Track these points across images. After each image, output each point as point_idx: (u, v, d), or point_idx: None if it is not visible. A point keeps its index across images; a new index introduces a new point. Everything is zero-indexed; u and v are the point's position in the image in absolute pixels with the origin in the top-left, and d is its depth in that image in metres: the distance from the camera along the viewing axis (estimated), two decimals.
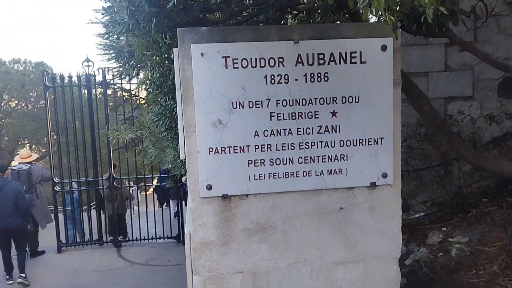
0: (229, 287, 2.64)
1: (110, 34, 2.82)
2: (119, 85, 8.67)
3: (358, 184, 2.67)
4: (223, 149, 2.55)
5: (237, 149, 2.56)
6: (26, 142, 17.11)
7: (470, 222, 4.54)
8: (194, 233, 2.59)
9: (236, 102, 2.52)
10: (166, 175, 8.68)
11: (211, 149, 2.54)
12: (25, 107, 16.10)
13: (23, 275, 6.44)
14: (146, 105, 7.28)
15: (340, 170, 2.64)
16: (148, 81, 3.89)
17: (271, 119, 2.56)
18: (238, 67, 2.51)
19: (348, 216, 2.70)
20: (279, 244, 2.66)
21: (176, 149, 5.62)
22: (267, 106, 2.55)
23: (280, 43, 2.52)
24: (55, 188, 7.80)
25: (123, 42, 9.31)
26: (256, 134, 2.56)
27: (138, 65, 8.90)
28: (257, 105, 2.54)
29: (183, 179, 7.64)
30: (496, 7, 4.61)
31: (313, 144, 2.60)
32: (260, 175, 2.59)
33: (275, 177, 2.60)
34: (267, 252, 2.65)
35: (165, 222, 9.52)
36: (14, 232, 6.33)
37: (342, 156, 2.63)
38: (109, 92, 9.05)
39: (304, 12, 3.32)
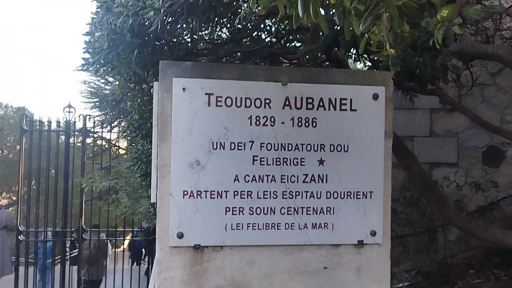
0: None
1: (88, 65, 2.63)
2: (100, 134, 8.45)
3: (345, 241, 2.41)
4: (199, 193, 2.29)
5: (214, 194, 2.30)
6: None
7: None
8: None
9: (216, 143, 2.31)
10: (140, 229, 8.24)
11: (185, 192, 2.28)
12: (0, 152, 15.58)
13: None
14: (125, 154, 7.00)
15: (326, 224, 2.39)
16: (127, 124, 3.67)
17: (253, 163, 2.33)
18: (221, 105, 2.32)
19: (333, 277, 2.41)
20: None
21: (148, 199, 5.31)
22: (250, 149, 2.33)
23: (268, 83, 2.37)
24: (19, 237, 7.24)
25: (107, 91, 9.22)
26: (236, 178, 2.32)
27: (122, 115, 8.75)
28: (240, 147, 2.33)
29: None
30: (480, 76, 4.66)
31: (297, 193, 2.36)
32: (238, 225, 2.32)
33: (254, 228, 2.33)
34: None
35: (136, 280, 8.90)
36: None
37: (329, 209, 2.39)
38: (89, 140, 8.80)
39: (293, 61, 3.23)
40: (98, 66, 2.66)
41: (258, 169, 2.34)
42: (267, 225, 2.34)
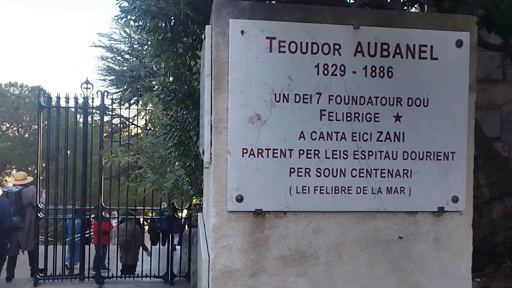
0: None
1: (127, 13, 2.30)
2: (117, 111, 8.15)
3: (423, 208, 2.08)
4: (260, 151, 1.97)
5: (277, 153, 1.98)
6: (13, 167, 16.14)
7: (508, 274, 3.93)
8: (215, 258, 1.95)
9: (279, 94, 1.98)
10: (161, 216, 8.00)
11: (245, 151, 1.96)
12: (16, 131, 15.29)
13: None
14: (149, 128, 6.69)
15: (402, 189, 2.06)
16: (160, 87, 3.34)
17: (321, 119, 2.00)
18: (284, 51, 1.98)
19: (408, 248, 2.09)
20: (321, 280, 2.02)
21: (175, 173, 5.01)
22: (317, 102, 2.00)
23: (337, 26, 2.02)
24: (38, 214, 7.00)
25: (125, 67, 8.91)
26: (302, 135, 2.00)
27: (141, 90, 8.45)
28: (305, 100, 1.99)
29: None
30: None
31: (370, 153, 2.04)
32: (304, 188, 2.00)
33: (322, 191, 2.01)
34: None
35: (153, 260, 8.69)
36: None
37: (406, 171, 2.06)
38: (106, 118, 8.52)
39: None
40: (138, 14, 2.32)
41: (326, 125, 2.01)
42: (336, 189, 2.02)
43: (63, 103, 7.14)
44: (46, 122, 7.07)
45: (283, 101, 1.98)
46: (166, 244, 7.94)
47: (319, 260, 2.02)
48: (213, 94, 1.98)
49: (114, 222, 9.83)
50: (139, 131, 8.85)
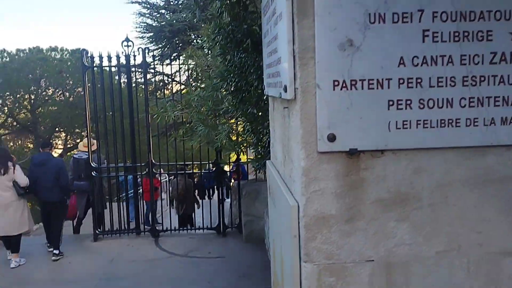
0: (353, 281, 1.79)
1: None
2: (159, 69, 7.97)
3: None
4: (353, 83, 1.70)
5: (372, 84, 1.71)
6: (62, 131, 16.56)
7: None
8: (307, 203, 1.75)
9: (374, 14, 1.67)
10: (209, 170, 7.98)
11: (336, 83, 1.69)
12: (61, 95, 15.56)
13: (56, 252, 6.33)
14: (194, 82, 6.48)
15: None
16: (216, 29, 3.06)
17: (423, 40, 1.69)
18: None
19: None
20: (425, 224, 1.79)
21: (228, 125, 4.83)
22: (419, 21, 1.69)
23: None
24: (92, 173, 7.11)
25: (163, 23, 8.62)
26: (402, 62, 1.70)
27: (180, 45, 8.19)
28: (405, 19, 1.68)
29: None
30: None
31: (482, 79, 1.72)
32: (405, 123, 1.73)
33: (425, 126, 1.73)
34: (408, 234, 1.79)
35: (204, 213, 8.79)
36: (54, 206, 6.40)
37: None
38: (149, 76, 8.37)
39: None
40: None
41: (430, 48, 1.70)
42: (442, 122, 1.74)
43: (105, 63, 7.03)
44: (90, 85, 7.00)
45: (379, 22, 1.68)
46: (216, 197, 7.99)
47: (422, 202, 1.78)
48: (295, 19, 1.70)
49: (162, 179, 9.94)
50: (184, 86, 8.68)
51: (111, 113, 7.05)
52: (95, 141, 7.26)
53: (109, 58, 7.03)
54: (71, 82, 14.60)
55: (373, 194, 1.76)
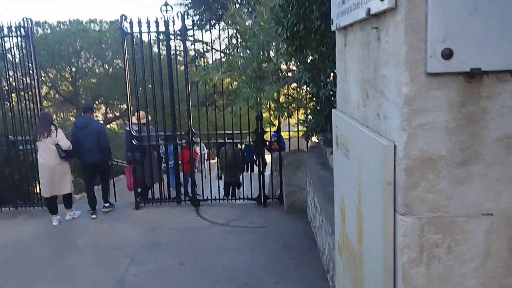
0: (464, 239, 1.40)
1: None
2: (198, 36, 7.62)
3: None
4: None
5: None
6: (102, 103, 16.64)
7: None
8: (409, 141, 1.36)
9: None
10: (250, 142, 7.63)
11: None
12: (101, 66, 15.58)
13: (106, 204, 6.76)
14: (236, 46, 6.10)
15: None
16: None
17: None
18: None
19: None
20: None
21: (277, 84, 4.45)
22: None
23: None
24: (132, 141, 6.93)
25: None
26: None
27: (220, 10, 7.79)
28: None
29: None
30: None
31: None
32: None
33: None
34: None
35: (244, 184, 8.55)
36: (98, 167, 6.59)
37: None
38: (188, 44, 8.03)
39: None
40: None
41: None
42: None
43: (144, 29, 6.74)
44: (128, 55, 6.76)
45: None
46: (256, 168, 7.69)
47: None
48: None
49: (198, 149, 9.72)
50: (224, 54, 8.32)
51: (150, 86, 6.83)
52: (143, 113, 7.11)
53: (148, 23, 6.75)
54: (110, 54, 14.53)
55: (496, 130, 1.35)
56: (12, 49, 7.15)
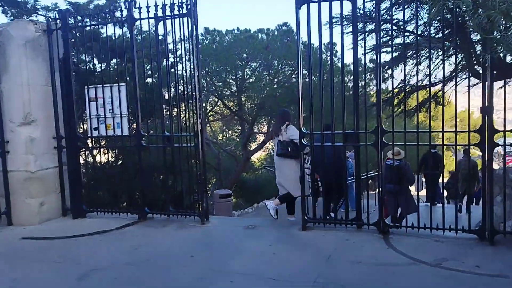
0: None
1: None
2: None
3: None
4: None
5: None
6: (264, 115, 14.90)
7: None
8: None
9: None
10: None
11: None
12: (267, 75, 14.11)
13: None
14: None
15: None
16: None
17: None
18: None
19: None
20: None
21: None
22: None
23: None
24: (302, 140, 5.11)
25: None
26: None
27: None
28: None
29: None
30: None
31: None
32: None
33: None
34: None
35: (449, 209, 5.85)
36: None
37: None
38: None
39: None
40: None
41: None
42: None
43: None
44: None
45: None
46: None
47: None
48: None
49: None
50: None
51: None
52: (402, 152, 5.98)
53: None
54: (275, 63, 13.32)
55: None
56: (172, 34, 5.13)
